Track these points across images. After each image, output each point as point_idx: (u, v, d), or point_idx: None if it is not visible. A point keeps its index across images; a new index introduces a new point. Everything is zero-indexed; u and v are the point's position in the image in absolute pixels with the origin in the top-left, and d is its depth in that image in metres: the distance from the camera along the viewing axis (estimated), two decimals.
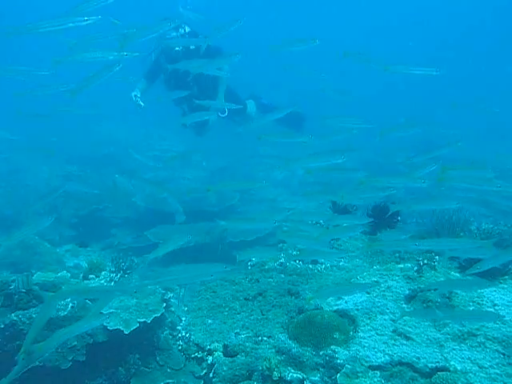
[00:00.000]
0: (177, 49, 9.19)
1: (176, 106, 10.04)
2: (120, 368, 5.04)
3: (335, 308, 4.62)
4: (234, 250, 8.93)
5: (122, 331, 5.01)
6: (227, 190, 11.94)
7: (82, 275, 5.93)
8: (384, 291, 4.77)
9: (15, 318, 4.91)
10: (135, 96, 9.21)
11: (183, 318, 4.92)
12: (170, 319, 5.72)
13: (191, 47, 9.17)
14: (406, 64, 6.06)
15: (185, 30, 9.22)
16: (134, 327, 5.08)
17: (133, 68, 9.25)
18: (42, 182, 11.55)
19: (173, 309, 5.88)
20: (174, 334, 5.67)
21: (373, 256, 5.35)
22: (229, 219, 7.37)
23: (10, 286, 5.19)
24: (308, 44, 6.59)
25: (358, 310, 4.57)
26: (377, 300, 4.66)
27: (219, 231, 8.74)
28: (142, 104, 9.19)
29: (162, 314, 5.39)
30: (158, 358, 5.25)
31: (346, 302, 4.70)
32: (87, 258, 8.91)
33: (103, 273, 5.91)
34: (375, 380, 3.92)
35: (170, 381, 4.94)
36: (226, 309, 4.93)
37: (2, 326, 4.87)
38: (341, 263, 5.35)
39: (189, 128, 10.10)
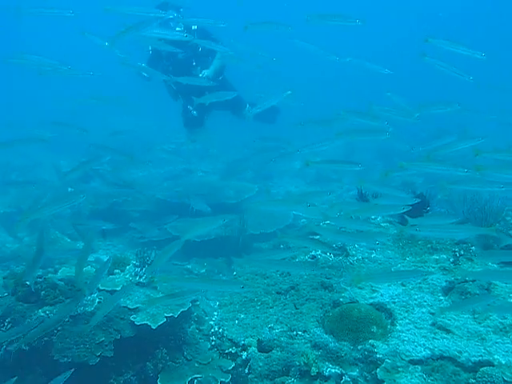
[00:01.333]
0: (178, 29, 8.79)
1: (172, 98, 9.83)
2: (148, 363, 4.98)
3: (371, 301, 4.52)
4: (254, 242, 8.89)
5: (150, 326, 4.95)
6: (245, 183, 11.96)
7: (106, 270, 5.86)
8: (420, 283, 4.66)
9: (42, 314, 4.86)
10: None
11: (215, 313, 4.85)
12: (195, 313, 5.66)
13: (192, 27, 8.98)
14: (449, 40, 5.88)
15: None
16: (162, 322, 5.02)
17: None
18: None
19: (198, 303, 5.82)
20: (201, 328, 5.62)
21: (404, 247, 5.24)
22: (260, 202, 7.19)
23: (37, 281, 5.14)
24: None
25: (394, 302, 4.47)
26: (413, 292, 4.56)
27: (239, 223, 8.67)
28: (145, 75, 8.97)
29: (188, 309, 5.33)
30: (185, 353, 5.19)
31: (381, 294, 4.60)
32: (107, 252, 8.91)
33: (127, 267, 5.84)
34: (416, 375, 3.83)
35: (198, 375, 4.87)
36: (259, 303, 4.84)
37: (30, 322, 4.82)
38: (372, 255, 5.24)
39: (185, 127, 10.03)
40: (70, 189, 9.98)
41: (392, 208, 4.65)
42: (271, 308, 4.73)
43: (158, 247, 8.04)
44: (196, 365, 5.06)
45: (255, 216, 9.22)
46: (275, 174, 13.81)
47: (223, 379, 4.79)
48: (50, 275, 5.55)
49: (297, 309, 4.66)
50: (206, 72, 9.24)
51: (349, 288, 4.70)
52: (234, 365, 4.85)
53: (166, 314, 5.11)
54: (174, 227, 8.88)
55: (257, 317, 4.67)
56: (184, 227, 8.69)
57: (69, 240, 8.72)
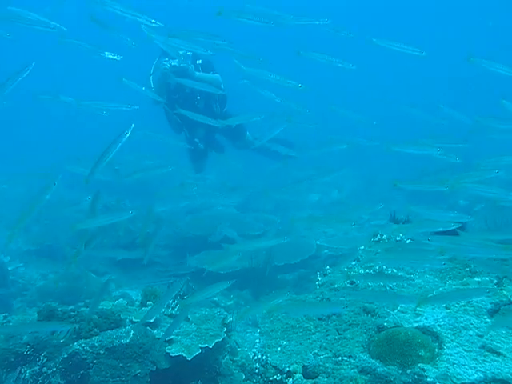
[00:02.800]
0: (181, 52, 8.89)
1: (175, 132, 9.74)
2: None
3: (416, 325, 4.43)
4: (278, 274, 8.86)
5: (185, 357, 4.90)
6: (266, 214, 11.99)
7: (138, 302, 5.83)
8: (464, 306, 4.57)
9: (78, 347, 4.83)
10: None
11: (257, 341, 4.79)
12: (229, 344, 5.61)
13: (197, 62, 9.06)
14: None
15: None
16: (197, 353, 4.97)
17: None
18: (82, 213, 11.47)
19: (230, 333, 5.77)
20: (235, 359, 5.56)
21: (442, 271, 5.17)
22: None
23: (71, 315, 5.12)
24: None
25: (440, 326, 4.38)
26: (458, 315, 4.47)
27: (264, 255, 8.65)
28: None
29: (223, 339, 5.29)
30: None
31: (425, 318, 4.50)
32: (131, 287, 8.90)
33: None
34: None
35: None
36: (300, 329, 4.77)
37: (66, 356, 4.79)
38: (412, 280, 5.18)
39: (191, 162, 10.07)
40: None
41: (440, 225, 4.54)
42: (313, 334, 4.65)
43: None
44: None
45: (278, 247, 9.22)
46: (293, 206, 13.83)
47: None
48: (82, 309, 5.53)
49: (340, 334, 4.58)
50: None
51: (392, 312, 4.63)
52: None
53: (200, 345, 5.06)
54: (198, 259, 8.88)
55: (300, 343, 4.59)
56: (209, 259, 8.71)
57: (94, 276, 8.72)
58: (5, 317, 5.77)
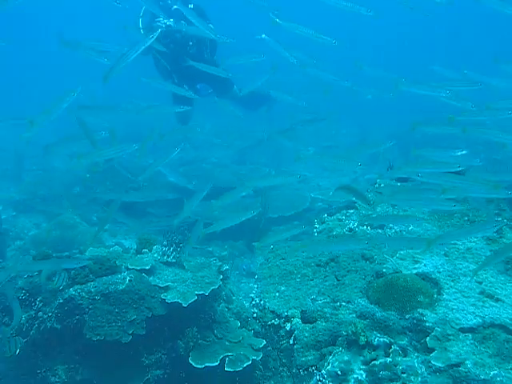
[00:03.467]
0: (175, 7, 8.62)
1: (164, 79, 9.43)
2: (179, 341, 4.93)
3: (415, 271, 4.44)
4: (272, 225, 8.82)
5: (181, 304, 4.89)
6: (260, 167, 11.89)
7: (133, 250, 5.80)
8: (464, 253, 4.58)
9: (74, 293, 4.80)
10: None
11: (255, 286, 4.78)
12: (224, 292, 5.60)
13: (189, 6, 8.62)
14: None
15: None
16: (192, 300, 4.95)
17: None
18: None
19: (226, 281, 5.76)
20: (230, 306, 5.55)
21: (441, 220, 5.15)
22: None
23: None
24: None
25: (439, 272, 4.39)
26: (457, 262, 4.48)
27: (260, 206, 8.60)
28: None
29: (219, 287, 5.27)
30: (215, 331, 5.14)
31: (424, 265, 4.51)
32: (125, 237, 8.87)
33: (155, 247, 5.77)
34: (468, 343, 3.75)
35: (229, 354, 4.82)
36: (298, 275, 4.76)
37: (61, 301, 4.77)
38: (410, 228, 5.16)
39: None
40: (87, 175, 9.90)
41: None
42: (311, 280, 4.65)
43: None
44: (227, 343, 5.02)
45: (273, 199, 9.17)
46: (288, 160, 13.72)
47: (254, 357, 4.74)
48: (77, 255, 5.48)
49: (338, 280, 4.58)
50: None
51: (391, 259, 4.63)
52: (264, 343, 4.80)
53: (196, 292, 5.05)
54: (196, 211, 8.81)
55: (298, 289, 4.59)
56: (201, 211, 8.64)
57: (87, 225, 8.67)
58: None
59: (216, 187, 9.15)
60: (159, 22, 8.40)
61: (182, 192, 9.81)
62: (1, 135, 14.43)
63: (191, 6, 8.74)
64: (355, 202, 5.60)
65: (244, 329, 5.12)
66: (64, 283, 4.84)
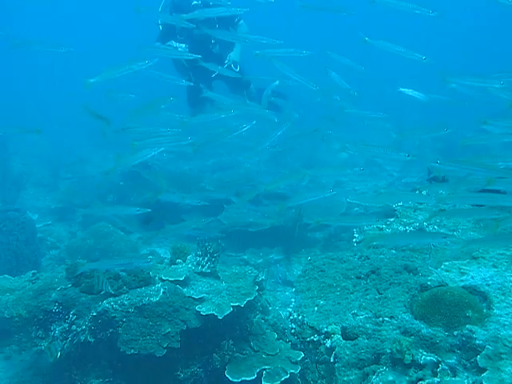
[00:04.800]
0: (195, 2, 8.59)
1: (181, 75, 9.22)
2: (214, 354, 4.80)
3: (462, 284, 4.23)
4: (308, 232, 8.67)
5: (216, 316, 4.77)
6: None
7: (167, 260, 5.71)
8: None
9: (107, 306, 4.72)
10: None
11: (292, 300, 4.64)
12: (260, 303, 5.47)
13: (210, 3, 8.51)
14: None
15: None
16: (228, 312, 4.83)
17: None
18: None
19: (262, 292, 5.64)
20: (266, 318, 5.42)
21: (486, 228, 4.94)
22: None
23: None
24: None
25: (488, 285, 4.17)
26: (508, 274, 4.25)
27: (293, 212, 8.47)
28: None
29: (254, 298, 5.14)
30: (252, 344, 5.01)
31: (472, 277, 4.30)
32: (159, 245, 8.83)
33: (189, 257, 5.67)
34: None
35: (266, 367, 4.69)
36: (338, 288, 4.60)
37: (95, 314, 4.70)
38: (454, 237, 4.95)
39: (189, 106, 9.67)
40: (121, 182, 9.91)
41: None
42: (352, 293, 4.48)
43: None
44: (264, 356, 4.88)
45: (309, 205, 9.03)
46: (322, 164, 13.54)
47: (293, 370, 4.60)
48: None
49: (380, 294, 4.40)
50: (232, 56, 8.93)
51: (436, 271, 4.43)
52: (302, 355, 4.65)
53: (232, 304, 4.93)
54: (225, 218, 8.73)
55: (338, 303, 4.42)
56: (236, 217, 8.56)
57: (122, 233, 8.64)
58: (33, 274, 5.71)
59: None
60: (170, 45, 8.39)
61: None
62: (38, 143, 14.58)
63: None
64: (395, 210, 5.43)
65: (281, 341, 4.99)
66: (106, 288, 4.77)
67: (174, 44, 8.35)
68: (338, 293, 4.53)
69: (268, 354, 4.88)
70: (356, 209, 9.71)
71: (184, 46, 8.38)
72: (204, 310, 4.84)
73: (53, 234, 9.08)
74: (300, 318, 4.40)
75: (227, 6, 7.15)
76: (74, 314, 4.79)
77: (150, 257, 5.06)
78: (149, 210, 6.21)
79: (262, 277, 5.43)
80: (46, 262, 8.06)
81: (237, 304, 4.93)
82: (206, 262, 5.54)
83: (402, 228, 5.08)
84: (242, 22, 8.93)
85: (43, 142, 14.72)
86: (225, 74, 8.09)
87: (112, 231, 8.41)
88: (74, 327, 4.74)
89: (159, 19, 8.56)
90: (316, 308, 4.45)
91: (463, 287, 4.19)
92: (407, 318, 4.07)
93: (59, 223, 9.61)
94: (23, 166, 12.47)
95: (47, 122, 16.65)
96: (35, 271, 5.80)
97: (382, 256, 4.76)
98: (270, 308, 5.66)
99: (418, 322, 4.01)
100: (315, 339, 4.26)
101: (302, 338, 4.34)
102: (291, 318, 4.47)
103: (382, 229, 5.21)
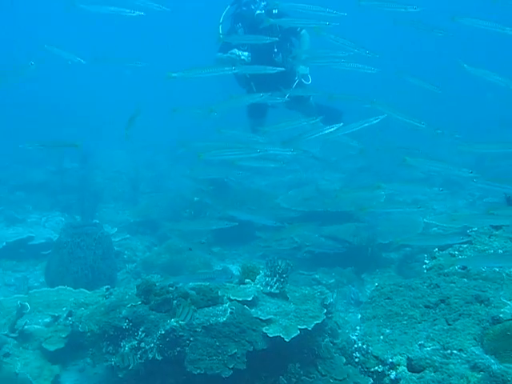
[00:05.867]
0: (258, 12, 8.47)
1: (241, 87, 9.17)
2: (281, 377, 4.77)
3: None
4: (383, 252, 8.49)
5: (283, 338, 4.73)
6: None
7: (237, 279, 5.73)
8: None
9: (175, 324, 4.78)
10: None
11: (357, 327, 4.55)
12: (329, 326, 5.39)
13: (273, 11, 8.38)
14: None
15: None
16: (295, 334, 4.79)
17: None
18: (185, 187, 11.47)
19: (330, 315, 5.55)
20: (335, 341, 5.34)
21: None
22: None
23: (169, 290, 5.09)
24: None
25: None
26: None
27: (367, 232, 8.34)
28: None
29: (322, 321, 5.07)
30: (319, 368, 4.94)
31: None
32: (233, 261, 8.89)
33: (258, 277, 5.67)
34: None
35: None
36: (405, 317, 4.46)
37: (163, 332, 4.76)
38: None
39: (249, 118, 9.51)
40: (196, 198, 10.08)
41: None
42: (419, 323, 4.33)
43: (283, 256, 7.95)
44: (331, 380, 4.80)
45: (384, 224, 8.87)
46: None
47: None
48: (181, 284, 5.49)
49: (449, 325, 4.23)
50: (303, 69, 8.78)
51: (509, 303, 4.22)
52: (371, 382, 4.53)
53: (299, 326, 4.88)
54: (299, 236, 8.68)
55: (404, 332, 4.29)
56: (309, 236, 8.49)
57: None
58: (107, 289, 5.88)
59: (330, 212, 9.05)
60: (233, 53, 8.35)
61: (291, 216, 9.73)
62: (119, 158, 15.08)
63: (276, 11, 8.50)
64: (469, 235, 5.22)
65: (349, 365, 4.89)
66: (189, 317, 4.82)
67: (237, 52, 8.32)
68: (405, 322, 4.39)
69: (335, 379, 4.80)
70: (434, 229, 9.43)
71: (247, 54, 8.35)
72: (271, 331, 4.81)
73: (130, 247, 9.31)
74: (364, 346, 4.29)
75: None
76: (143, 332, 4.87)
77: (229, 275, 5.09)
78: (236, 224, 6.34)
79: (330, 299, 5.36)
80: (123, 275, 8.26)
81: (304, 327, 4.88)
82: (275, 283, 5.52)
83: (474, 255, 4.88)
84: (304, 31, 8.81)
85: (124, 156, 15.24)
86: (298, 94, 8.02)
87: (184, 248, 8.55)
88: (142, 344, 4.82)
89: (232, 40, 8.45)
90: (381, 337, 4.33)
91: None
92: (477, 352, 3.89)
93: (137, 237, 9.86)
94: (105, 180, 12.92)
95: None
96: (109, 286, 5.97)
97: (452, 285, 4.57)
98: (340, 331, 5.57)
99: (488, 356, 3.82)
100: (379, 370, 4.15)
101: (366, 367, 4.23)
102: (355, 346, 4.37)
103: (454, 255, 5.02)
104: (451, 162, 5.51)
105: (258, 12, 8.45)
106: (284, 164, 7.03)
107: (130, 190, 12.65)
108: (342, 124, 6.65)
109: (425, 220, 9.31)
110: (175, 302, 5.00)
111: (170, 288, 5.20)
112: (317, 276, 7.82)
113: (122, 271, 8.40)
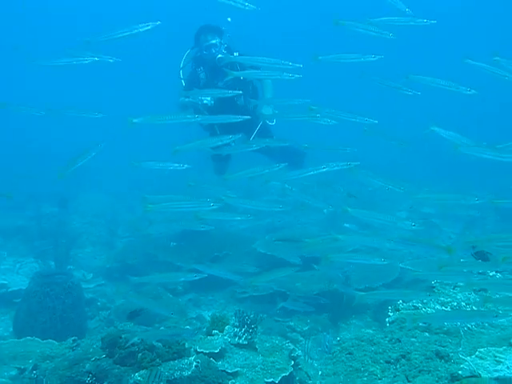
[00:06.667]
0: (220, 56, 8.45)
1: (205, 130, 9.09)
2: None
3: (496, 375, 3.97)
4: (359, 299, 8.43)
5: None
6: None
7: (205, 330, 5.68)
8: None
9: (139, 379, 4.71)
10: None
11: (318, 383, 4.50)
12: (298, 377, 5.33)
13: (234, 54, 8.41)
14: None
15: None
16: None
17: None
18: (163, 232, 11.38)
19: (300, 366, 5.50)
20: None
21: None
22: None
23: (134, 343, 5.03)
24: None
25: None
26: None
27: (342, 278, 8.32)
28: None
29: (290, 373, 5.02)
30: None
31: (508, 367, 4.04)
32: (209, 308, 8.79)
33: (227, 327, 5.62)
34: None
35: None
36: (366, 373, 4.42)
37: None
38: (496, 320, 4.67)
39: (212, 161, 9.46)
40: (173, 243, 10.02)
41: None
42: (380, 380, 4.29)
43: (259, 302, 7.91)
44: None
45: (359, 269, 8.85)
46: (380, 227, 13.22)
47: None
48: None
49: (409, 381, 4.19)
50: (267, 109, 8.53)
51: (468, 359, 4.19)
52: None
53: (266, 380, 4.83)
54: (278, 281, 8.63)
55: None
56: (286, 282, 8.44)
57: (171, 296, 8.67)
58: (74, 340, 5.80)
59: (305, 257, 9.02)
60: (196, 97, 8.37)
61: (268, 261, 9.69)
62: (98, 201, 14.98)
63: (236, 53, 8.52)
64: (433, 287, 5.21)
65: None
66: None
67: (200, 96, 8.35)
68: (366, 378, 4.34)
69: None
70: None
71: (209, 98, 8.36)
72: None
73: (105, 294, 9.19)
74: None
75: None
76: None
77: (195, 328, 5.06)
78: (205, 275, 6.31)
79: (298, 352, 5.31)
80: (96, 323, 8.12)
81: (271, 380, 4.84)
82: (243, 333, 5.49)
83: (439, 307, 4.86)
84: None
85: (104, 199, 15.15)
86: (273, 145, 8.04)
87: (161, 293, 8.46)
88: None
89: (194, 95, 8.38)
90: None
91: (496, 379, 3.93)
92: None
93: (112, 283, 9.73)
94: (83, 225, 12.79)
95: (106, 179, 17.18)
96: (76, 338, 5.89)
97: (413, 339, 4.55)
98: (310, 382, 5.50)
99: None
100: None
101: None
102: None
103: (417, 308, 5.00)
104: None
105: (220, 56, 8.47)
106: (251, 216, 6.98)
107: (107, 234, 12.54)
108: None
109: (401, 265, 9.29)
110: (140, 355, 4.93)
111: (137, 340, 5.13)
112: (291, 323, 7.70)
113: (96, 319, 8.25)
